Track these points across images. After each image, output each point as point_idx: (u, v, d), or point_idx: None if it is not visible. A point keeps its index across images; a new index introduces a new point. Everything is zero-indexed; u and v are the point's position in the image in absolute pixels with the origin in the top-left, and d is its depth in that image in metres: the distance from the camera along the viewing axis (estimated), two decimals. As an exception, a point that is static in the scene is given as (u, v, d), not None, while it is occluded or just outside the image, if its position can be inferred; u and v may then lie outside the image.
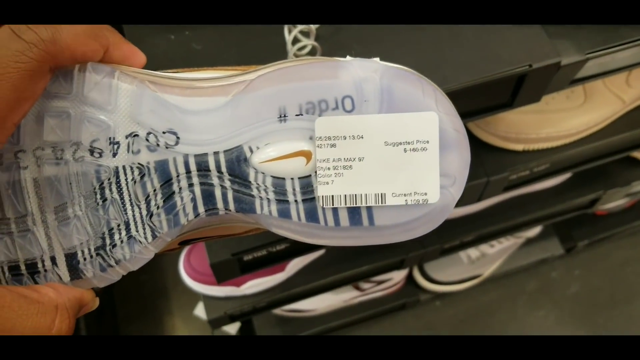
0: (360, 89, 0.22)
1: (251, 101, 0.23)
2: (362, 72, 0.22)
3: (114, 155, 0.22)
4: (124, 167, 0.22)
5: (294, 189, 0.23)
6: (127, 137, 0.22)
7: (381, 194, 0.23)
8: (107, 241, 0.23)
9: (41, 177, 0.22)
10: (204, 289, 0.76)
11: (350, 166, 0.23)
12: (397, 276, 1.05)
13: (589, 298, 1.22)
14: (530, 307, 1.21)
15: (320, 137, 0.22)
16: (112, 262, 0.24)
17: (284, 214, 0.24)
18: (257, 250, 0.61)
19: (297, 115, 0.23)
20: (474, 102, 0.48)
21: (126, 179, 0.23)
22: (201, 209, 0.24)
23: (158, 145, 0.23)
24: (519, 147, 0.64)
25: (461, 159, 0.23)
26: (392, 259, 0.82)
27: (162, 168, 0.23)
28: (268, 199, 0.24)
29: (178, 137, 0.23)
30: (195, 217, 0.24)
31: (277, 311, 1.02)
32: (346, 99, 0.22)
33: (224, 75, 0.24)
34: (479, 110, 0.49)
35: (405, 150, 0.23)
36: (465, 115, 0.49)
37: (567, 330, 1.18)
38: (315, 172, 0.23)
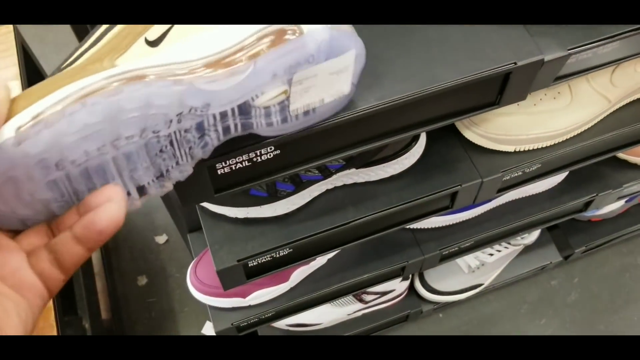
0: (317, 50, 0.37)
1: (255, 76, 0.36)
2: (318, 40, 0.36)
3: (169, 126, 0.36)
4: (174, 132, 0.36)
5: (275, 111, 0.39)
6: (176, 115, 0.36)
7: (322, 98, 0.41)
8: (164, 172, 0.38)
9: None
10: (211, 301, 0.78)
11: (307, 90, 0.39)
12: (400, 288, 1.07)
13: (589, 305, 1.24)
14: (532, 316, 1.22)
15: (294, 82, 0.38)
16: (168, 182, 0.39)
17: (270, 124, 0.40)
18: (262, 256, 0.62)
19: (284, 75, 0.37)
20: (462, 101, 0.51)
21: (177, 137, 0.37)
22: (222, 138, 0.39)
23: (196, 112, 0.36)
24: (510, 148, 0.67)
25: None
26: (393, 267, 0.83)
27: (199, 125, 0.37)
28: (261, 121, 0.39)
29: (209, 105, 0.36)
30: (218, 145, 0.39)
31: (282, 327, 1.03)
32: (310, 57, 0.37)
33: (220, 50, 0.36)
34: (467, 110, 0.52)
35: (337, 74, 0.39)
36: (454, 114, 0.52)
37: (569, 337, 1.19)
38: (288, 97, 0.39)
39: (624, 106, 0.71)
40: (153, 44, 0.38)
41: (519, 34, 0.49)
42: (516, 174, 0.69)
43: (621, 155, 0.90)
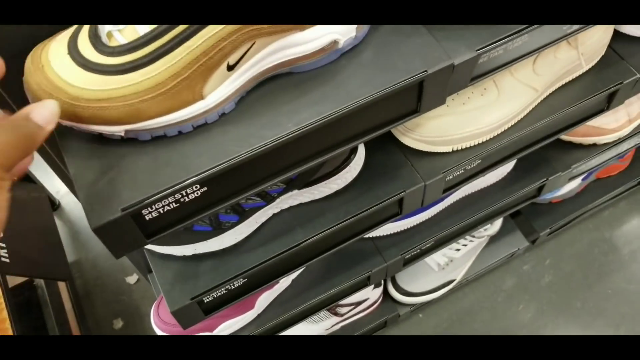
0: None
1: None
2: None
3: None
4: None
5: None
6: None
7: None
8: None
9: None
10: (177, 339, 0.77)
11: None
12: (373, 295, 1.07)
13: (563, 284, 1.25)
14: (509, 303, 1.23)
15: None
16: None
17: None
18: (216, 290, 0.62)
19: None
20: (384, 113, 0.51)
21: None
22: None
23: None
24: (447, 148, 0.68)
25: None
26: (358, 277, 0.84)
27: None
28: None
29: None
30: None
31: (261, 351, 1.03)
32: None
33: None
34: (391, 120, 0.53)
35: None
36: (379, 126, 0.52)
37: (548, 319, 1.20)
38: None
39: (555, 91, 0.73)
40: (231, 68, 0.42)
41: (426, 41, 0.50)
42: (458, 173, 0.70)
43: (565, 137, 0.92)
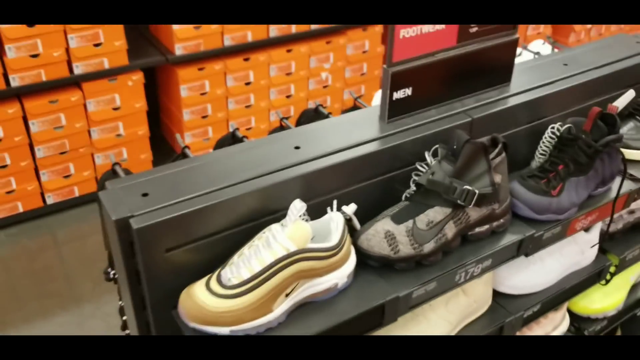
0: None
1: None
2: None
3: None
4: None
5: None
6: None
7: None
8: None
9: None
10: None
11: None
12: None
13: None
14: None
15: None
16: None
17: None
18: None
19: None
20: (362, 325, 0.91)
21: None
22: None
23: None
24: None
25: None
26: None
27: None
28: None
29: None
30: None
31: None
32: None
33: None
34: (366, 330, 0.92)
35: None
36: (363, 331, 0.91)
37: None
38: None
39: (466, 326, 1.14)
40: (287, 295, 0.78)
41: (381, 286, 0.92)
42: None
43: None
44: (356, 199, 0.99)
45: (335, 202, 0.91)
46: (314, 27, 2.97)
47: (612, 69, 1.28)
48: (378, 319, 0.92)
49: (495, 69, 1.16)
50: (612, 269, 1.35)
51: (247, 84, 2.91)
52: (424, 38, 1.03)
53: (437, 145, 1.00)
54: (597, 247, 1.31)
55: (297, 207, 0.84)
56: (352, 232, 0.95)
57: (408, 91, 1.05)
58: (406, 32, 1.00)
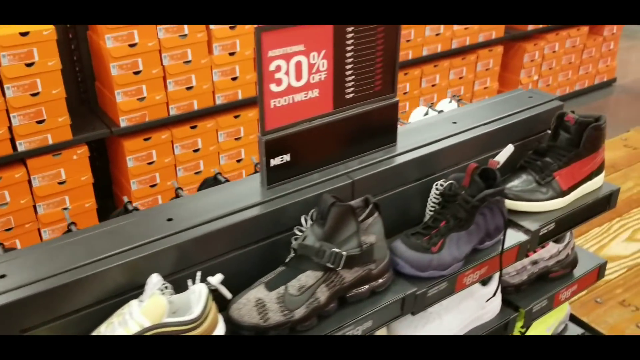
0: None
1: None
2: None
3: None
4: None
5: None
6: None
7: None
8: None
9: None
10: None
11: None
12: None
13: None
14: None
15: None
16: None
17: None
18: None
19: None
20: None
21: None
22: None
23: None
24: None
25: None
26: None
27: None
28: None
29: None
30: None
31: None
32: None
33: None
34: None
35: None
36: None
37: None
38: None
39: None
40: None
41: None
42: None
43: None
44: (237, 266, 1.00)
45: (199, 274, 0.92)
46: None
47: (499, 124, 1.32)
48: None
49: (378, 131, 1.19)
50: (520, 322, 1.35)
51: (196, 150, 2.95)
52: (297, 106, 1.07)
53: (313, 210, 1.02)
54: (499, 300, 1.32)
55: (153, 281, 0.85)
56: (227, 303, 0.95)
57: (286, 157, 1.08)
58: (277, 101, 1.03)
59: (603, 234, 2.13)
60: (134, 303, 0.85)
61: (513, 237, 1.21)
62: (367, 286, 1.03)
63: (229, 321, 0.93)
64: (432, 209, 1.18)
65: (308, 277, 0.96)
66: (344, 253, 0.96)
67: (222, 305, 0.94)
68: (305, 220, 1.00)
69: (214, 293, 0.92)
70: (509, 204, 1.26)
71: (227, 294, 0.94)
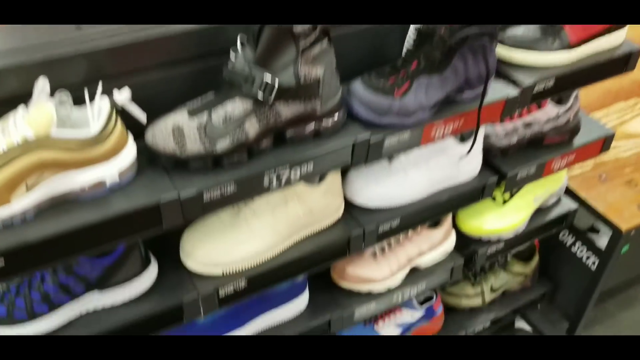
0: None
1: None
2: None
3: None
4: None
5: None
6: None
7: None
8: None
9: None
10: None
11: None
12: None
13: None
14: None
15: None
16: None
17: None
18: None
19: None
20: (134, 226, 0.81)
21: None
22: None
23: None
24: (218, 271, 0.96)
25: None
26: None
27: None
28: None
29: None
30: None
31: None
32: None
33: None
34: (136, 231, 0.83)
35: None
36: (131, 233, 0.82)
37: None
38: None
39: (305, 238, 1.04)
40: (29, 188, 0.69)
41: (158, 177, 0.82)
42: (230, 292, 0.98)
43: (345, 284, 1.21)
44: (162, 87, 0.87)
45: (100, 83, 0.79)
46: None
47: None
48: (157, 219, 0.82)
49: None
50: (501, 187, 1.22)
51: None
52: None
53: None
54: (478, 161, 1.18)
55: (39, 86, 0.73)
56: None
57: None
58: None
59: (627, 109, 1.92)
60: (22, 109, 0.74)
61: (500, 91, 1.04)
62: (310, 126, 0.90)
63: (147, 148, 0.83)
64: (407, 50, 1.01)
65: (235, 106, 0.83)
66: (276, 83, 0.82)
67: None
68: (242, 44, 0.85)
69: (130, 116, 0.80)
70: (504, 53, 1.08)
71: (140, 115, 0.82)
